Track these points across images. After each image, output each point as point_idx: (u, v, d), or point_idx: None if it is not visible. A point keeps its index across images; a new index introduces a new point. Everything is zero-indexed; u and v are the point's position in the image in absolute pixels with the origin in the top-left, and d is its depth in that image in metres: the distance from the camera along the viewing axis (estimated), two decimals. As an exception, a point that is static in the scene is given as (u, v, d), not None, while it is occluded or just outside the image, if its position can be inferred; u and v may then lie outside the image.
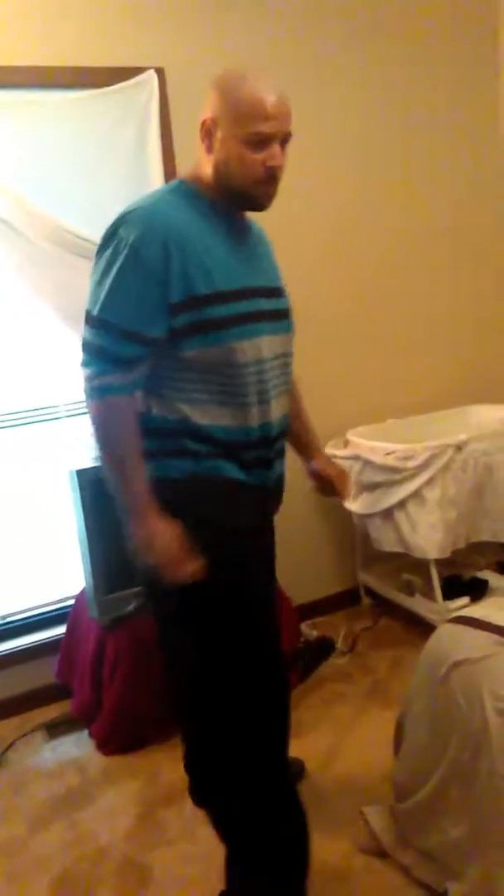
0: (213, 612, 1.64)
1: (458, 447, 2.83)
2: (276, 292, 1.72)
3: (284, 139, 1.56)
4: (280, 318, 1.71)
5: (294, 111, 1.57)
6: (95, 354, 1.54)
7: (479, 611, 1.97)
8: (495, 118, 3.42)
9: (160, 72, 2.68)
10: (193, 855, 2.11)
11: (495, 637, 1.79)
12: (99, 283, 1.54)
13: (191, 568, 1.57)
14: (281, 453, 1.77)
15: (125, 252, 1.50)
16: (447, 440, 2.82)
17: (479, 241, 3.51)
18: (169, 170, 2.75)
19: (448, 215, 3.40)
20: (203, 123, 1.57)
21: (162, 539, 1.56)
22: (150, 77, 2.66)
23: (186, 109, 2.77)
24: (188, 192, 1.62)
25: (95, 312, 1.54)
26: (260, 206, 1.62)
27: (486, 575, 3.19)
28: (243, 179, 1.56)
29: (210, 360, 1.57)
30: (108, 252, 1.53)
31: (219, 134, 1.55)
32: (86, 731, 2.69)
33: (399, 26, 3.15)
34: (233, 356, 1.57)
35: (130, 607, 2.60)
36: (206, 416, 1.59)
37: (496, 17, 3.35)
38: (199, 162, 1.62)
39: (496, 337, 3.64)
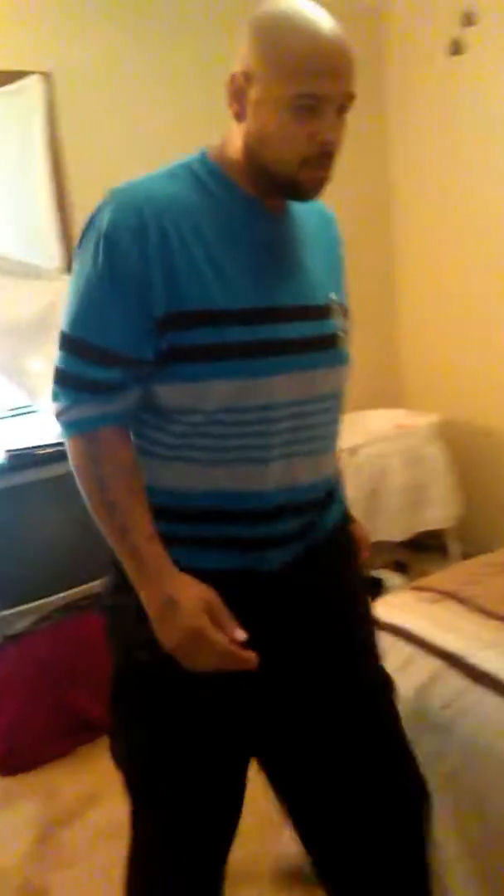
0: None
1: (351, 451, 2.91)
2: (319, 312, 1.25)
3: (343, 105, 1.15)
4: (322, 347, 1.25)
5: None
6: (67, 382, 1.20)
7: (382, 611, 1.99)
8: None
9: (47, 76, 2.63)
10: (92, 876, 2.06)
11: (418, 649, 1.79)
12: (72, 292, 1.20)
13: (218, 641, 1.14)
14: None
15: (100, 246, 1.14)
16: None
17: None
18: (57, 183, 2.70)
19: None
20: (232, 79, 1.15)
21: (181, 599, 1.14)
22: (35, 82, 2.61)
23: (77, 117, 2.73)
24: (208, 169, 1.21)
25: (67, 330, 1.19)
26: (304, 194, 1.20)
27: (382, 573, 3.28)
28: (285, 157, 1.15)
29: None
30: (82, 248, 1.18)
31: (253, 94, 1.13)
32: (-20, 754, 2.61)
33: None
34: (236, 399, 1.19)
35: (23, 623, 2.54)
36: None
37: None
38: (228, 131, 1.22)
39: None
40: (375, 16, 3.40)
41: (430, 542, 3.50)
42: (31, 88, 2.61)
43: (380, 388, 3.68)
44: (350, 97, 1.14)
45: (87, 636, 2.62)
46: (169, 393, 1.19)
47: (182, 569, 1.17)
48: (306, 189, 1.19)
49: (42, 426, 2.82)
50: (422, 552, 3.52)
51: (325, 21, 1.12)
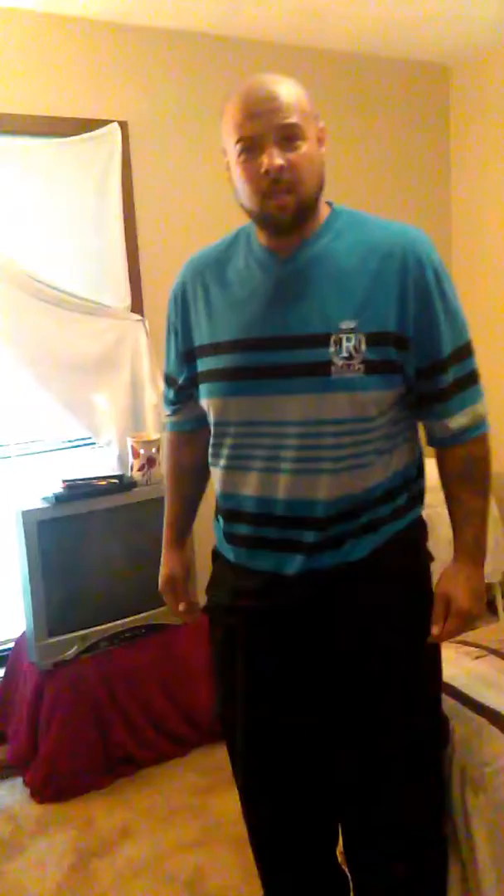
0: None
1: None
2: (308, 341, 1.33)
3: (285, 135, 1.27)
4: (295, 374, 1.33)
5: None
6: (164, 398, 1.66)
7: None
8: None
9: (123, 125, 2.76)
10: (124, 908, 2.07)
11: (459, 704, 1.74)
12: None
13: (173, 607, 1.69)
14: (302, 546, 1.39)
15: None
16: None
17: None
18: (129, 220, 2.82)
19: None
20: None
21: (162, 570, 1.69)
22: (114, 130, 2.74)
23: (148, 162, 2.86)
24: (248, 228, 1.43)
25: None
26: (276, 222, 1.32)
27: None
28: (251, 198, 1.31)
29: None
30: None
31: (227, 161, 1.35)
32: (20, 779, 2.63)
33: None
34: (218, 414, 1.44)
35: (71, 652, 2.58)
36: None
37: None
38: None
39: None
40: (438, 72, 3.48)
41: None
42: (109, 136, 2.74)
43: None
44: (283, 127, 1.26)
45: (133, 668, 2.65)
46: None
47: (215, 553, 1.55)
48: (274, 217, 1.31)
49: (99, 459, 2.89)
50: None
51: (258, 78, 1.30)
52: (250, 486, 1.41)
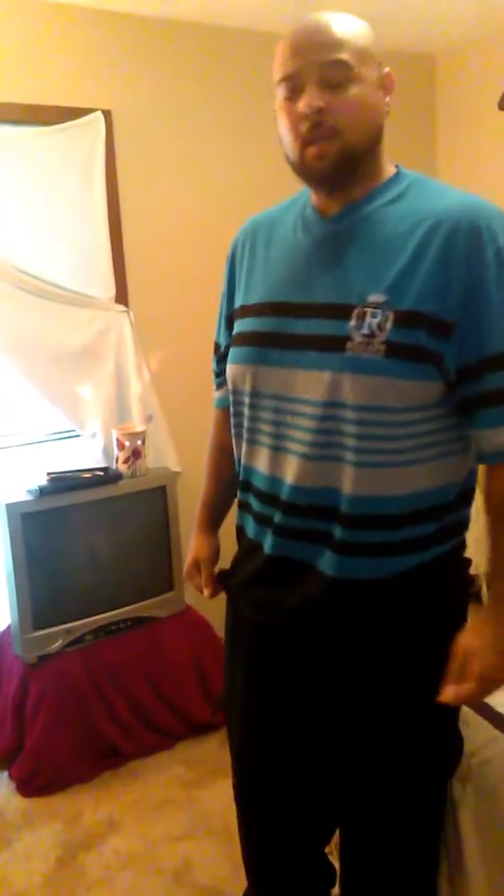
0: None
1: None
2: (329, 310, 1.19)
3: (325, 75, 1.14)
4: (310, 346, 1.20)
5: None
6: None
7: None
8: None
9: (107, 114, 2.73)
10: (111, 901, 2.07)
11: None
12: None
13: (195, 583, 1.63)
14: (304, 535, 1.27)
15: None
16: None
17: None
18: (113, 209, 2.80)
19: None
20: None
21: (189, 553, 1.64)
22: (98, 118, 2.71)
23: (132, 151, 2.84)
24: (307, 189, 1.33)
25: None
26: (313, 173, 1.20)
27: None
28: (290, 146, 1.19)
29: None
30: None
31: (275, 109, 1.23)
32: (6, 773, 2.62)
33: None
34: (232, 382, 1.35)
35: (57, 645, 2.56)
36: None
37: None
38: None
39: None
40: (424, 62, 3.47)
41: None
42: (93, 124, 2.71)
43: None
44: (328, 65, 1.13)
45: (118, 661, 2.64)
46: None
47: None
48: (312, 167, 1.18)
49: (83, 450, 2.87)
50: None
51: (308, 17, 1.17)
52: (262, 462, 1.31)
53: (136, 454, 2.72)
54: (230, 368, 1.34)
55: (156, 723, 2.70)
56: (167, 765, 2.61)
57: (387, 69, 1.21)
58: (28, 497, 2.52)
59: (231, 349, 1.34)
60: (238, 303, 1.36)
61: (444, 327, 1.13)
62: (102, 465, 2.79)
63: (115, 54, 2.78)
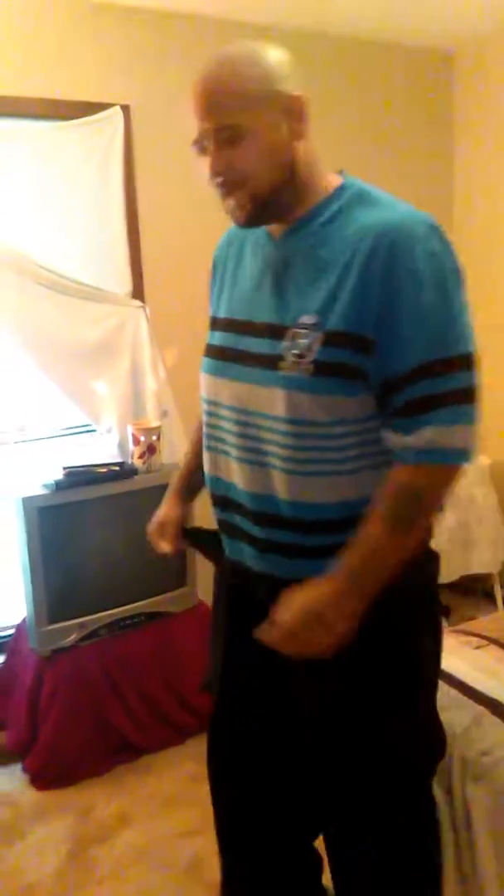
0: None
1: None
2: (266, 330, 1.27)
3: (222, 137, 1.21)
4: (254, 363, 1.28)
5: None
6: None
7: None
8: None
9: (126, 109, 2.74)
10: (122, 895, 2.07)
11: (460, 693, 1.75)
12: None
13: (155, 541, 1.62)
14: (253, 540, 1.35)
15: None
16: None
17: None
18: (130, 204, 2.80)
19: None
20: None
21: (157, 513, 1.63)
22: (116, 113, 2.71)
23: (150, 146, 2.84)
24: None
25: None
26: (239, 222, 1.29)
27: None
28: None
29: None
30: None
31: None
32: (19, 765, 2.63)
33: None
34: (201, 389, 1.44)
35: (71, 639, 2.57)
36: None
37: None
38: None
39: None
40: (441, 57, 3.44)
41: (476, 586, 3.44)
42: (111, 119, 2.71)
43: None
44: (220, 130, 1.20)
45: (131, 655, 2.65)
46: None
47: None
48: (235, 216, 1.28)
49: (98, 445, 2.88)
50: (467, 595, 3.47)
51: (205, 67, 1.23)
52: (214, 466, 1.42)
53: (151, 449, 2.73)
54: (200, 377, 1.43)
55: (168, 718, 2.70)
56: (179, 761, 2.61)
57: (296, 93, 1.23)
58: (44, 491, 2.53)
59: (203, 358, 1.42)
60: (211, 314, 1.45)
61: (366, 344, 1.17)
62: (118, 459, 2.80)
63: (134, 50, 2.78)
